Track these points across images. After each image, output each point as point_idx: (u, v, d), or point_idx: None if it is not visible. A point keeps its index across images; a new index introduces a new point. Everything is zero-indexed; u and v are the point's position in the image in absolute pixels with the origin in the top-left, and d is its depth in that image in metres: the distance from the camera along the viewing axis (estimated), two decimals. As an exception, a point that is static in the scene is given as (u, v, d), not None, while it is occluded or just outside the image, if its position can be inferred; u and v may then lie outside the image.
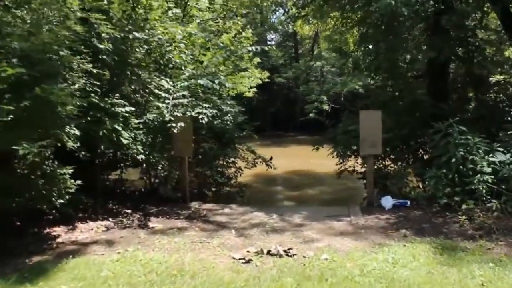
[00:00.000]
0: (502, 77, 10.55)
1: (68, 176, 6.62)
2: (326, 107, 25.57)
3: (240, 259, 6.01)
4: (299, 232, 7.24)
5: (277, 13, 37.47)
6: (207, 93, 8.28)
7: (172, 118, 7.44)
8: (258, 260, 5.98)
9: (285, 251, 6.23)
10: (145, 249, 6.56)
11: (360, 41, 11.80)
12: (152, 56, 9.73)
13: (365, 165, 9.87)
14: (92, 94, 7.14)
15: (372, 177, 8.66)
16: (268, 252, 6.21)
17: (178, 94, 7.88)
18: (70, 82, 6.60)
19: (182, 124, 7.53)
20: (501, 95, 10.79)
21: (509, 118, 9.34)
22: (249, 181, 14.46)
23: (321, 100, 25.31)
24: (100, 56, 7.75)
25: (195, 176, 9.82)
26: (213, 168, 9.32)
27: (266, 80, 23.90)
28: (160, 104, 7.60)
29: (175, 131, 7.51)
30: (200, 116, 7.79)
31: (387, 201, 8.50)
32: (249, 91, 21.63)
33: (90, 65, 6.76)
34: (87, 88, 7.22)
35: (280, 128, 31.22)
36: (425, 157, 9.91)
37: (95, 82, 7.25)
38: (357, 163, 10.52)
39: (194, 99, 8.05)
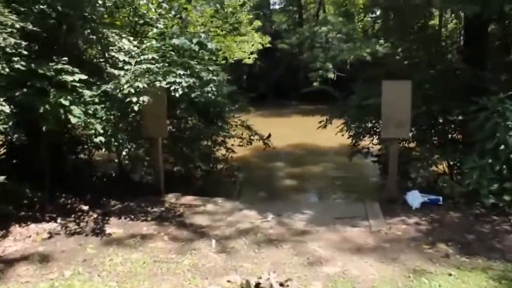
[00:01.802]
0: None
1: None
2: (331, 75, 23.34)
3: (215, 299, 4.00)
4: (302, 246, 5.20)
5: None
6: (185, 57, 6.08)
7: (132, 90, 5.26)
8: (242, 303, 3.96)
9: (281, 284, 4.18)
10: (88, 274, 4.57)
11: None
12: (123, 11, 7.55)
13: (381, 149, 7.73)
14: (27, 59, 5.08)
15: (396, 167, 6.53)
16: (257, 286, 4.15)
17: (143, 57, 5.69)
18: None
19: (146, 99, 5.36)
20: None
21: None
22: (247, 156, 12.39)
23: (326, 68, 23.03)
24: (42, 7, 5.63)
25: (174, 161, 7.70)
26: (196, 151, 7.17)
27: (268, 45, 21.53)
28: (117, 72, 5.42)
29: (135, 107, 5.35)
30: (172, 88, 5.61)
31: (415, 198, 6.40)
32: (249, 57, 19.44)
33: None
34: (21, 51, 5.18)
35: (282, 96, 28.88)
36: (458, 139, 7.74)
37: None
38: (372, 143, 8.36)
39: (166, 65, 5.86)
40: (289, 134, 17.65)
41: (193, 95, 5.90)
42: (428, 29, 8.09)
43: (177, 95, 5.66)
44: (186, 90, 5.70)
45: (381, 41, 21.84)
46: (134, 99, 5.28)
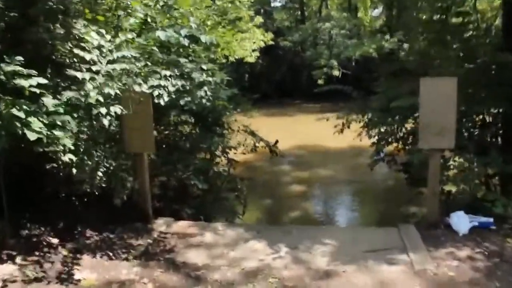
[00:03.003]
0: None
1: None
2: (336, 72, 21.98)
3: None
4: (328, 297, 3.81)
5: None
6: (173, 53, 4.70)
7: (101, 99, 3.88)
8: None
9: None
10: None
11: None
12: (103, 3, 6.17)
13: (410, 158, 6.34)
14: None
15: (437, 185, 5.12)
16: None
17: (118, 55, 4.29)
18: None
19: (118, 110, 3.98)
20: None
21: None
22: (251, 160, 11.06)
23: (330, 65, 21.69)
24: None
25: (165, 179, 6.29)
26: (191, 166, 5.75)
27: (271, 43, 20.12)
28: (80, 74, 4.03)
29: (105, 121, 3.95)
30: (155, 93, 4.23)
31: (461, 222, 5.02)
32: (250, 55, 18.05)
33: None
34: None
35: (286, 95, 27.47)
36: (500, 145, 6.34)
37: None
38: (398, 151, 6.94)
39: (149, 64, 4.49)
40: (294, 135, 16.34)
41: (182, 101, 4.50)
42: (460, 15, 6.57)
43: (161, 102, 4.28)
44: (173, 96, 4.30)
45: (387, 37, 20.56)
46: (103, 110, 3.89)
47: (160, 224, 5.50)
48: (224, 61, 12.61)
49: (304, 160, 13.64)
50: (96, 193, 6.08)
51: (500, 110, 5.89)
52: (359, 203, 10.09)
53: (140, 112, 4.94)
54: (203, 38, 4.19)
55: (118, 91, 4.02)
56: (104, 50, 4.34)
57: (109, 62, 4.25)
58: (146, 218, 5.53)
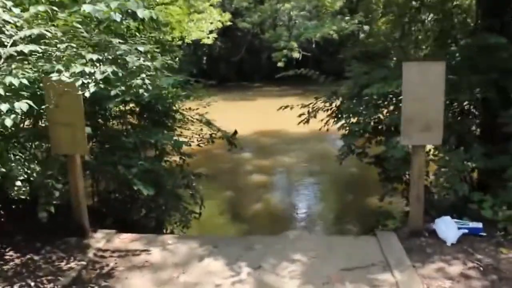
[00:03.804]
0: None
1: None
2: (296, 55, 21.10)
3: None
4: None
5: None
6: (103, 32, 3.67)
7: (1, 91, 2.84)
8: None
9: None
10: None
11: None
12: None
13: (385, 151, 5.59)
14: None
15: (422, 187, 4.32)
16: None
17: (28, 33, 3.24)
18: None
19: (25, 107, 2.95)
20: None
21: None
22: (209, 147, 10.12)
23: (290, 47, 20.77)
24: None
25: (105, 185, 5.25)
26: (135, 167, 4.74)
27: (229, 23, 19.01)
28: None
29: (7, 122, 2.91)
30: (78, 83, 3.21)
31: (449, 229, 4.28)
32: (208, 37, 16.95)
33: None
34: None
35: (245, 78, 26.43)
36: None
37: None
38: (369, 143, 6.14)
39: (73, 45, 3.45)
40: (254, 120, 15.47)
41: (113, 92, 3.48)
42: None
43: (86, 94, 3.27)
44: (102, 86, 3.29)
45: (347, 18, 19.83)
46: (3, 107, 2.85)
47: (98, 239, 4.51)
48: (179, 42, 11.57)
49: (265, 147, 12.81)
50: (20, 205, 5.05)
51: (480, 97, 5.15)
52: (325, 194, 9.37)
53: (68, 105, 3.92)
54: (140, 13, 3.19)
55: (26, 81, 2.98)
56: (9, 28, 3.27)
57: (14, 43, 3.20)
58: (81, 231, 4.53)
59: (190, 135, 7.15)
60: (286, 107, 6.59)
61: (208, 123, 7.24)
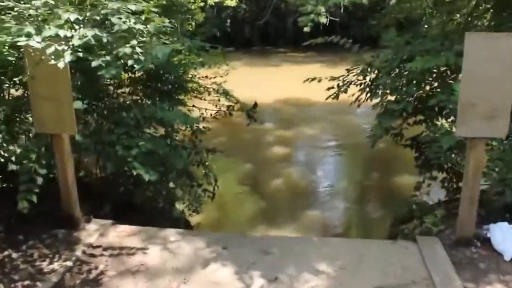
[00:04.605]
0: None
1: None
2: (323, 20, 19.76)
3: None
4: None
5: None
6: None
7: None
8: None
9: None
10: None
11: None
12: None
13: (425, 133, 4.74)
14: None
15: (478, 186, 3.44)
16: None
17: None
18: None
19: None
20: None
21: None
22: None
23: (317, 12, 19.44)
24: None
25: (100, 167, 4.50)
26: (134, 148, 3.97)
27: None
28: None
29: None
30: (48, 50, 2.43)
31: (507, 239, 3.42)
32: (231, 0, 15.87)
33: None
34: None
35: (270, 43, 25.18)
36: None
37: None
38: (407, 123, 5.24)
39: (48, 3, 2.65)
40: (277, 87, 14.47)
41: (95, 63, 2.66)
42: None
43: (60, 64, 2.47)
44: (81, 54, 2.48)
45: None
46: None
47: (90, 232, 3.81)
48: (201, 4, 10.65)
49: (288, 118, 11.92)
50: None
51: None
52: (351, 172, 8.53)
53: (51, 76, 3.14)
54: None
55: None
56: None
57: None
58: (71, 223, 3.83)
59: (205, 107, 6.40)
60: (313, 79, 5.69)
61: (226, 94, 6.44)
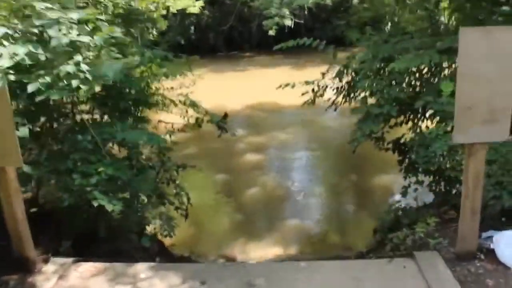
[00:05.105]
0: None
1: None
2: (288, 22, 19.49)
3: None
4: None
5: None
6: None
7: None
8: None
9: None
10: None
11: None
12: None
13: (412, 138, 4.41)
14: None
15: (479, 195, 3.08)
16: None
17: None
18: None
19: None
20: None
21: None
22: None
23: (282, 14, 19.16)
24: None
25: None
26: (93, 176, 3.46)
27: (216, -10, 17.36)
28: None
29: None
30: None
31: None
32: (194, 6, 15.34)
33: None
34: None
35: (235, 48, 24.76)
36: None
37: None
38: (389, 126, 4.88)
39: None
40: (246, 92, 14.04)
41: (30, 87, 2.13)
42: None
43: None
44: (13, 77, 1.97)
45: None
46: None
47: (48, 275, 3.26)
48: (163, 12, 10.14)
49: (259, 123, 11.51)
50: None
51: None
52: (329, 176, 8.17)
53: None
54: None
55: None
56: None
57: None
58: (25, 265, 3.28)
59: (172, 120, 5.91)
60: (286, 85, 5.28)
61: (194, 105, 5.95)
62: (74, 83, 2.22)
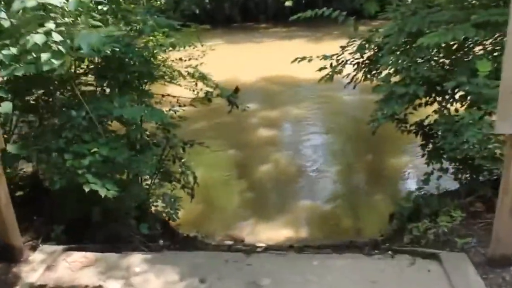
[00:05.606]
0: None
1: None
2: (306, -8, 18.70)
3: None
4: None
5: None
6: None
7: None
8: None
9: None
10: None
11: None
12: None
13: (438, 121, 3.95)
14: None
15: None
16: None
17: None
18: None
19: None
20: None
21: None
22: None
23: (300, -17, 18.37)
24: None
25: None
26: (87, 157, 3.11)
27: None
28: None
29: None
30: None
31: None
32: (209, -26, 14.74)
33: None
34: None
35: (251, 19, 24.03)
36: None
37: None
38: (413, 108, 4.41)
39: None
40: (261, 65, 13.51)
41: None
42: None
43: None
44: None
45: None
46: None
47: (35, 265, 2.95)
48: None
49: (273, 97, 11.06)
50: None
51: None
52: (341, 153, 7.75)
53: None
54: None
55: None
56: None
57: None
58: (10, 254, 2.96)
59: (180, 94, 5.53)
60: (302, 59, 4.80)
61: (203, 78, 5.53)
62: (44, 56, 1.80)
